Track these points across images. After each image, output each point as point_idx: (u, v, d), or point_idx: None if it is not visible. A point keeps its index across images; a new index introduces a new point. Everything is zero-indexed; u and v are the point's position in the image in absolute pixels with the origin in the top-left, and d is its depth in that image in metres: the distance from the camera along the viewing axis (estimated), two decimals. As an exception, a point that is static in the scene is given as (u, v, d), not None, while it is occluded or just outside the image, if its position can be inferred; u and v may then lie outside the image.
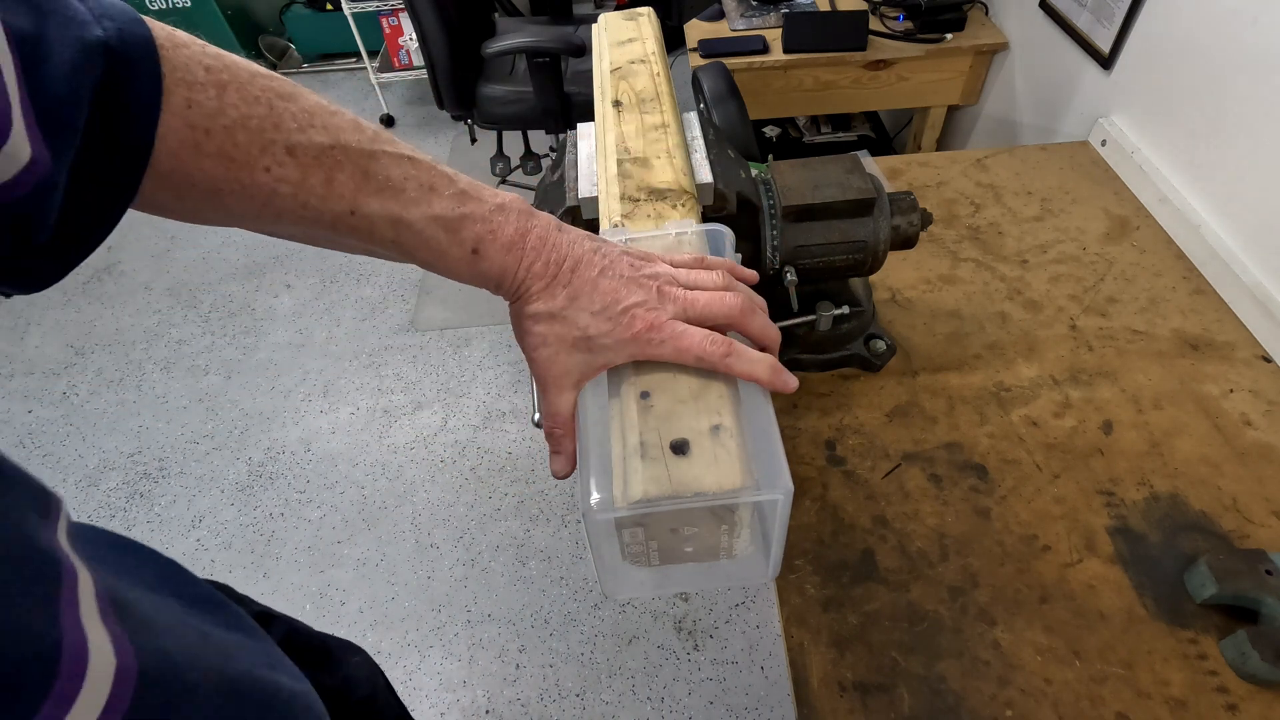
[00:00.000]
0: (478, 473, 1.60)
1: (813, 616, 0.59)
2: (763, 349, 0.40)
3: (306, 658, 0.51)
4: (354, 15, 2.46)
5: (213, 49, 0.33)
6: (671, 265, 0.40)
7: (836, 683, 0.55)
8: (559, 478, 0.38)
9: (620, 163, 0.51)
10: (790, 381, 0.38)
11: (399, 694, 0.70)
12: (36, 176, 0.26)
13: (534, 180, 1.98)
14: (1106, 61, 1.06)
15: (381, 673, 0.66)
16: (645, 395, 0.37)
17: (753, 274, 0.43)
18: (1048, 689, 0.54)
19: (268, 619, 0.53)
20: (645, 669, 1.30)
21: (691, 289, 0.39)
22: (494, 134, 1.92)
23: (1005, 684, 0.54)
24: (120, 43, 0.29)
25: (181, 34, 0.32)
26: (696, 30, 1.52)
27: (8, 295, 0.31)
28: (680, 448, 0.35)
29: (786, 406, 0.74)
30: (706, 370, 0.38)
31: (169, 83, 0.30)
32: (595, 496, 0.34)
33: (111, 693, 0.24)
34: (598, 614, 1.37)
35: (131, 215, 0.33)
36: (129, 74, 0.29)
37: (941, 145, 1.68)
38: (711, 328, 0.38)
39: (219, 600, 0.39)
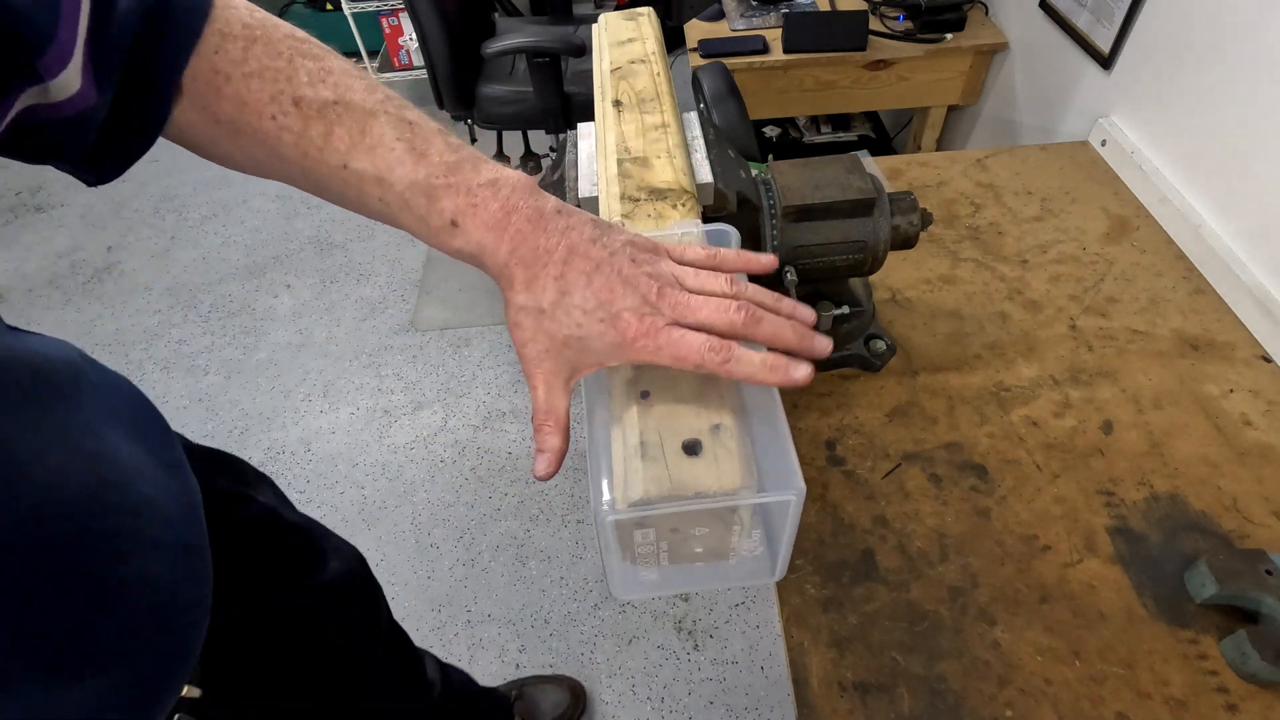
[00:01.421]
0: (478, 473, 1.60)
1: (813, 616, 0.59)
2: (785, 349, 0.37)
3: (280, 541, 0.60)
4: (354, 15, 2.46)
5: (260, 12, 0.37)
6: (680, 262, 0.38)
7: (836, 683, 0.55)
8: (539, 477, 0.36)
9: (620, 162, 0.51)
10: (795, 373, 0.35)
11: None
12: (79, 107, 0.32)
13: (534, 180, 1.97)
14: (1106, 61, 1.06)
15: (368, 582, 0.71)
16: (645, 395, 0.37)
17: (769, 260, 0.40)
18: (1048, 689, 0.54)
19: (247, 500, 0.58)
20: (645, 669, 1.30)
21: (697, 292, 0.37)
22: (494, 134, 1.92)
23: (1005, 684, 0.54)
24: None
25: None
26: (696, 30, 1.52)
27: (89, 184, 0.38)
28: (693, 448, 0.35)
29: (787, 406, 0.73)
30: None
31: (207, 31, 0.35)
32: (606, 497, 0.34)
33: None
34: (598, 614, 1.37)
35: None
36: (174, 21, 0.34)
37: (941, 145, 1.68)
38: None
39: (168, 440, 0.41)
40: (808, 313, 0.39)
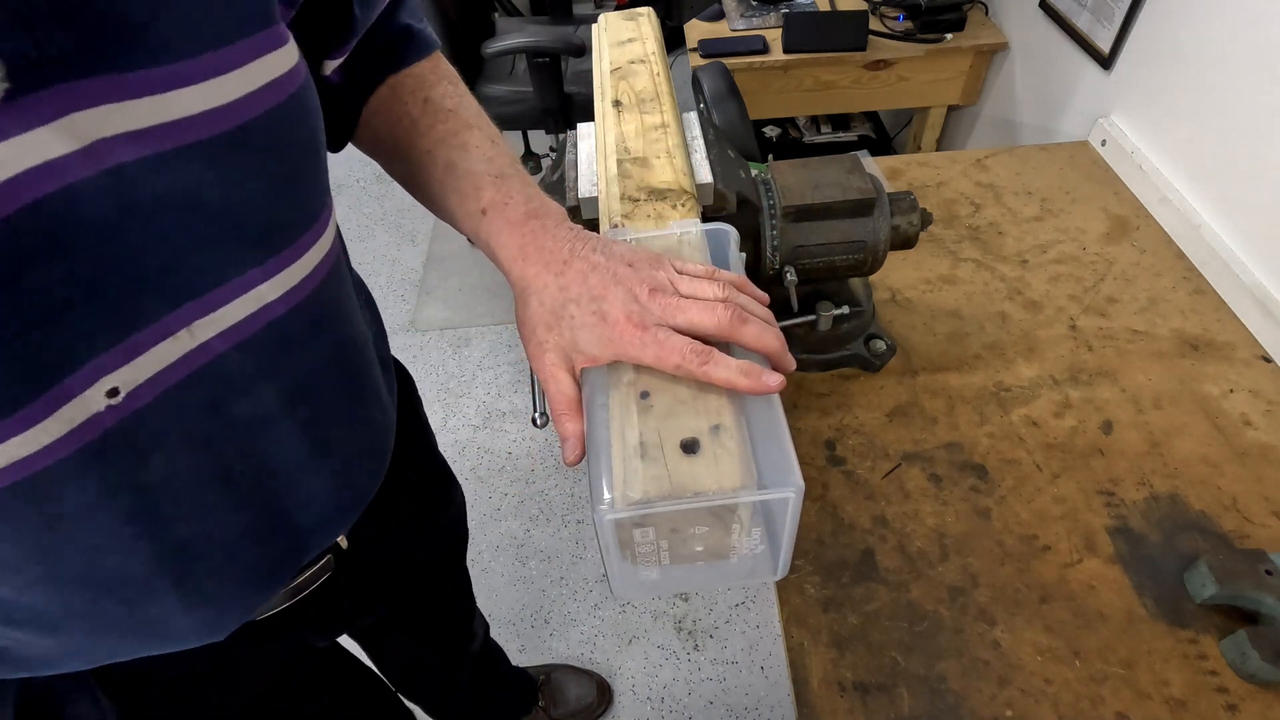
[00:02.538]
0: (478, 473, 1.59)
1: (813, 616, 0.59)
2: (765, 356, 0.39)
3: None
4: (354, 15, 2.46)
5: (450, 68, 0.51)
6: (678, 272, 0.40)
7: (836, 683, 0.55)
8: (570, 464, 0.39)
9: (620, 163, 0.51)
10: (769, 379, 0.37)
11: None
12: (324, 86, 0.44)
13: (534, 180, 1.97)
14: (1106, 61, 1.06)
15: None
16: (645, 395, 0.37)
17: (763, 296, 0.42)
18: (1048, 689, 0.54)
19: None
20: (645, 669, 1.30)
21: (687, 297, 0.39)
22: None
23: (1005, 684, 0.54)
24: (420, 31, 0.49)
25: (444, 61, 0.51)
26: (696, 30, 1.52)
27: (333, 151, 0.47)
28: (691, 446, 0.35)
29: (787, 406, 0.73)
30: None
31: (424, 58, 0.49)
32: (605, 497, 0.34)
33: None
34: (598, 614, 1.37)
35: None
36: (410, 45, 0.48)
37: (941, 145, 1.68)
38: (701, 338, 0.37)
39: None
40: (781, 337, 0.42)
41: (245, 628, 0.47)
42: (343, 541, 0.52)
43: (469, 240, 0.46)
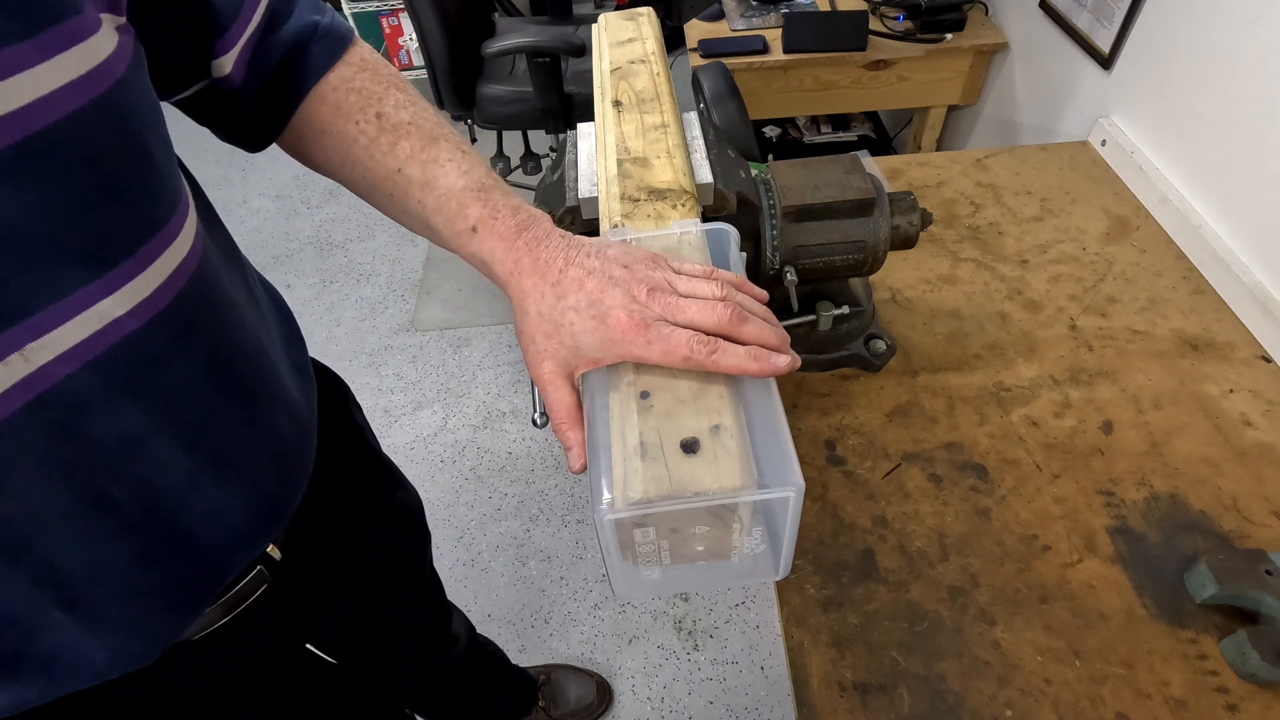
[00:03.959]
0: (478, 473, 1.59)
1: (813, 616, 0.59)
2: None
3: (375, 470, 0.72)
4: (354, 15, 2.46)
5: (377, 54, 0.48)
6: (675, 273, 0.40)
7: (836, 683, 0.55)
8: (576, 472, 0.39)
9: (620, 163, 0.51)
10: (779, 362, 0.37)
11: None
12: (230, 86, 0.44)
13: (534, 180, 1.98)
14: (1106, 61, 1.06)
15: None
16: (645, 395, 0.37)
17: (761, 294, 0.42)
18: (1048, 689, 0.54)
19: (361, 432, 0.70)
20: (645, 669, 1.30)
21: (686, 296, 0.39)
22: (494, 134, 1.92)
23: (1005, 684, 0.54)
24: (328, 27, 0.46)
25: (367, 46, 0.49)
26: (696, 30, 1.52)
27: (251, 152, 0.49)
28: (690, 446, 0.35)
29: (787, 406, 0.74)
30: (705, 371, 0.38)
31: (341, 59, 0.46)
32: (606, 497, 0.34)
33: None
34: (598, 614, 1.37)
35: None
36: (322, 45, 0.45)
37: (941, 145, 1.68)
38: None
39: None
40: (785, 335, 0.41)
41: (180, 648, 0.45)
42: (274, 552, 0.51)
43: (452, 252, 0.45)
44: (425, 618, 0.88)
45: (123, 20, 0.33)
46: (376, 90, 0.45)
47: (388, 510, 0.74)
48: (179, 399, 0.38)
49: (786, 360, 0.37)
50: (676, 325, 0.37)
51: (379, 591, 0.76)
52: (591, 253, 0.40)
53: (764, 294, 0.42)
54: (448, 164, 0.43)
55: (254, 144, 0.49)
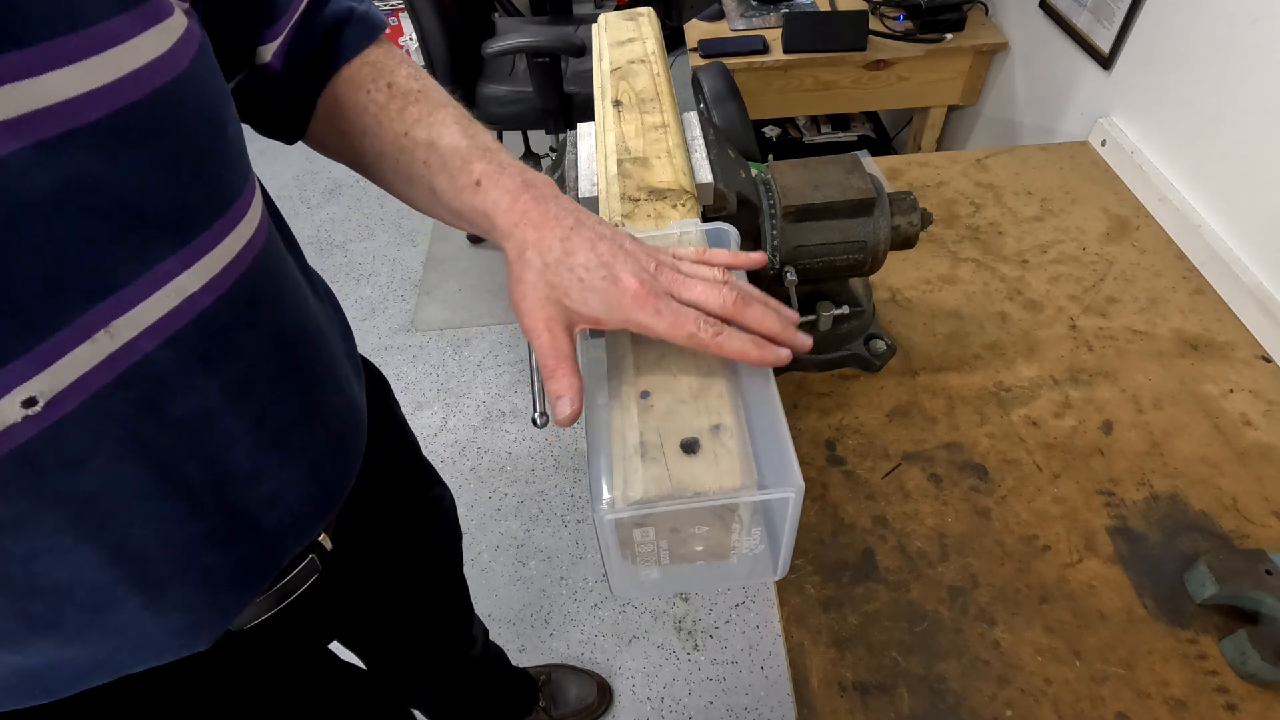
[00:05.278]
0: (477, 473, 1.59)
1: (813, 616, 0.59)
2: (768, 336, 0.39)
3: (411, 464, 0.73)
4: (354, 15, 2.46)
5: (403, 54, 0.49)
6: (675, 257, 0.41)
7: (836, 683, 0.55)
8: (562, 422, 0.36)
9: (620, 162, 0.51)
10: (780, 352, 0.37)
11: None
12: (268, 74, 0.45)
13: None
14: (1106, 61, 1.06)
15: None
16: (645, 395, 0.37)
17: (759, 257, 0.43)
18: (1048, 689, 0.54)
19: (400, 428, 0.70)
20: (645, 669, 1.30)
21: (690, 276, 0.39)
22: (494, 134, 1.92)
23: (1005, 684, 0.54)
24: (364, 13, 0.47)
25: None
26: (696, 30, 1.52)
27: (288, 142, 0.50)
28: (690, 446, 0.35)
29: (786, 406, 0.74)
30: (705, 370, 0.38)
31: (371, 45, 0.47)
32: (605, 496, 0.34)
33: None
34: (598, 614, 1.37)
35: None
36: (356, 30, 0.46)
37: (941, 145, 1.68)
38: None
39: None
40: (793, 314, 0.41)
41: (234, 637, 0.46)
42: (326, 541, 0.51)
43: (453, 218, 0.45)
44: (453, 618, 0.89)
45: (186, 3, 0.34)
46: (389, 64, 0.46)
47: (426, 507, 0.75)
48: (247, 376, 0.38)
49: (787, 353, 0.37)
50: (682, 303, 0.37)
51: (416, 589, 0.76)
52: (601, 221, 0.40)
53: (760, 258, 0.43)
54: (454, 126, 0.43)
55: (289, 134, 0.49)
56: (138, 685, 0.42)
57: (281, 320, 0.41)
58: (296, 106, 0.47)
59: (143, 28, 0.29)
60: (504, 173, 0.41)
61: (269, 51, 0.44)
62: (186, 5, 0.34)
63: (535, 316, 0.38)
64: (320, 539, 0.51)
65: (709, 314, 0.37)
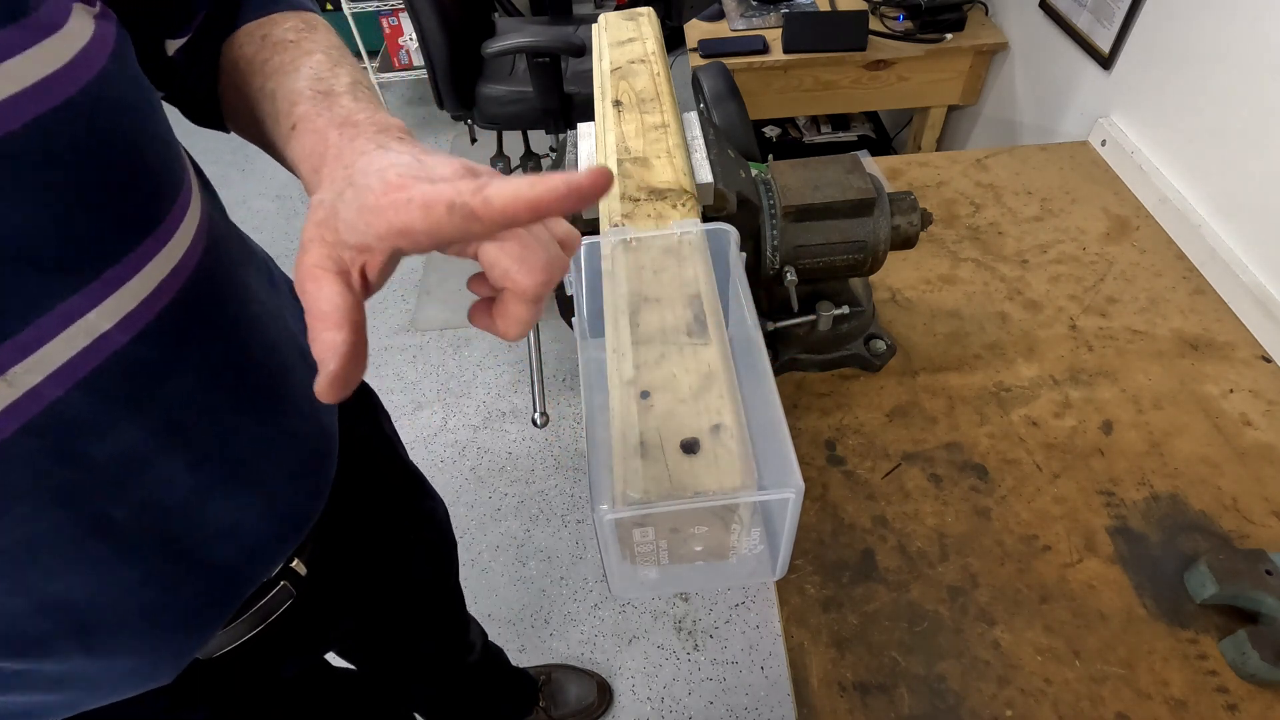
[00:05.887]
0: (477, 473, 1.59)
1: (813, 616, 0.59)
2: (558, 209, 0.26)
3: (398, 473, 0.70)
4: (354, 15, 2.46)
5: (329, 29, 0.43)
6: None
7: (836, 683, 0.55)
8: (321, 391, 0.27)
9: (620, 162, 0.51)
10: (571, 179, 0.25)
11: None
12: (177, 64, 0.41)
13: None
14: (1106, 61, 1.06)
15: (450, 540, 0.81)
16: (645, 395, 0.37)
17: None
18: (1048, 689, 0.54)
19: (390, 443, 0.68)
20: (645, 669, 1.30)
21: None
22: (494, 134, 1.92)
23: (1005, 684, 0.54)
24: None
25: (323, 23, 0.44)
26: (696, 30, 1.52)
27: (225, 130, 0.45)
28: (690, 446, 0.35)
29: (787, 406, 0.74)
30: (705, 370, 0.38)
31: (270, 16, 0.42)
32: (605, 496, 0.34)
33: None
34: (598, 614, 1.37)
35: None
36: (255, 2, 0.42)
37: (941, 145, 1.68)
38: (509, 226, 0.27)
39: None
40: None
41: (204, 665, 0.44)
42: (300, 567, 0.49)
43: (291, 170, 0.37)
44: (447, 626, 0.88)
45: (97, 7, 0.31)
46: (276, 19, 0.41)
47: (416, 522, 0.73)
48: (180, 413, 0.36)
49: (580, 178, 0.25)
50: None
51: (406, 602, 0.75)
52: (416, 145, 0.32)
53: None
54: (305, 70, 0.37)
55: (214, 120, 0.45)
56: (109, 714, 0.41)
57: (222, 348, 0.38)
58: (204, 96, 0.43)
59: (24, 45, 0.26)
60: (320, 116, 0.34)
61: (175, 45, 0.40)
62: (97, 8, 0.31)
63: (300, 266, 0.29)
64: (293, 564, 0.49)
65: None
